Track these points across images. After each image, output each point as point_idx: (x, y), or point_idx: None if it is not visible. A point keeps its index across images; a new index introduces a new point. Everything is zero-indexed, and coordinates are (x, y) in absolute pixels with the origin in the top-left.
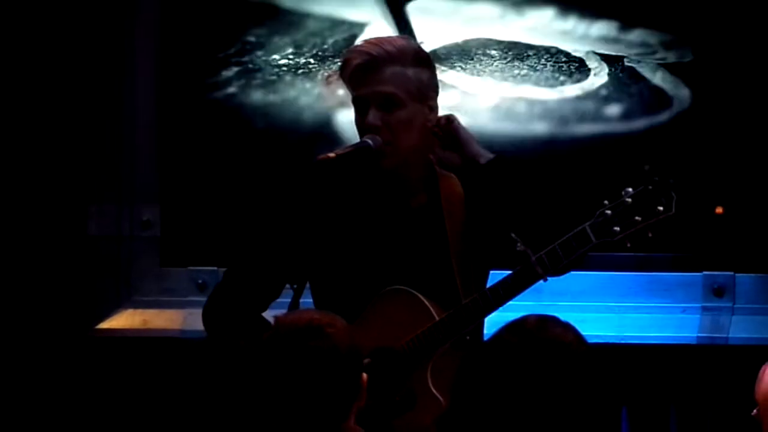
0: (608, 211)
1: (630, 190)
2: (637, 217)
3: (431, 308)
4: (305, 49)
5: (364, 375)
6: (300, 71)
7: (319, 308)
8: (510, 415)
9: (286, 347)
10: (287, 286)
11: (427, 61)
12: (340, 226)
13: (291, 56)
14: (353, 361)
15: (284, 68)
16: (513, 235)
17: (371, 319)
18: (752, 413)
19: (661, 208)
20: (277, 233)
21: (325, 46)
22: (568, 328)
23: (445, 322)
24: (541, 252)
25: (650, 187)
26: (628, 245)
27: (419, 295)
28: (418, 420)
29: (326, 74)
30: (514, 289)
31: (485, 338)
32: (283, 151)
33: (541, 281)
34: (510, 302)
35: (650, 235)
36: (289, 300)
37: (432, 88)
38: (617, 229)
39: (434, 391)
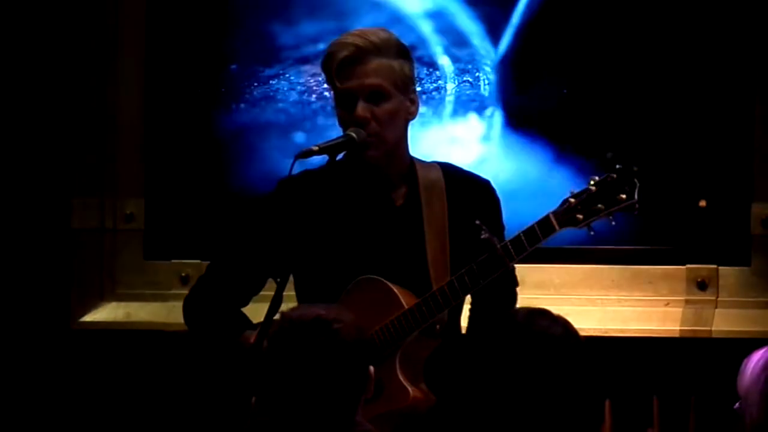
0: (572, 199)
1: (596, 178)
2: (599, 205)
3: (401, 297)
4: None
5: (371, 368)
6: (284, 68)
7: (301, 302)
8: (498, 407)
9: (294, 343)
10: (271, 279)
11: (408, 53)
12: (323, 219)
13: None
14: (361, 354)
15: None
16: (477, 222)
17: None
18: (735, 407)
19: (623, 196)
20: (259, 227)
21: (308, 46)
22: (557, 321)
23: (413, 311)
24: (506, 240)
25: (614, 175)
26: (592, 233)
27: (389, 284)
28: (383, 409)
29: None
30: (479, 278)
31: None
32: (266, 145)
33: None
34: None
35: (613, 223)
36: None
37: (413, 80)
38: (580, 216)
39: (402, 380)
